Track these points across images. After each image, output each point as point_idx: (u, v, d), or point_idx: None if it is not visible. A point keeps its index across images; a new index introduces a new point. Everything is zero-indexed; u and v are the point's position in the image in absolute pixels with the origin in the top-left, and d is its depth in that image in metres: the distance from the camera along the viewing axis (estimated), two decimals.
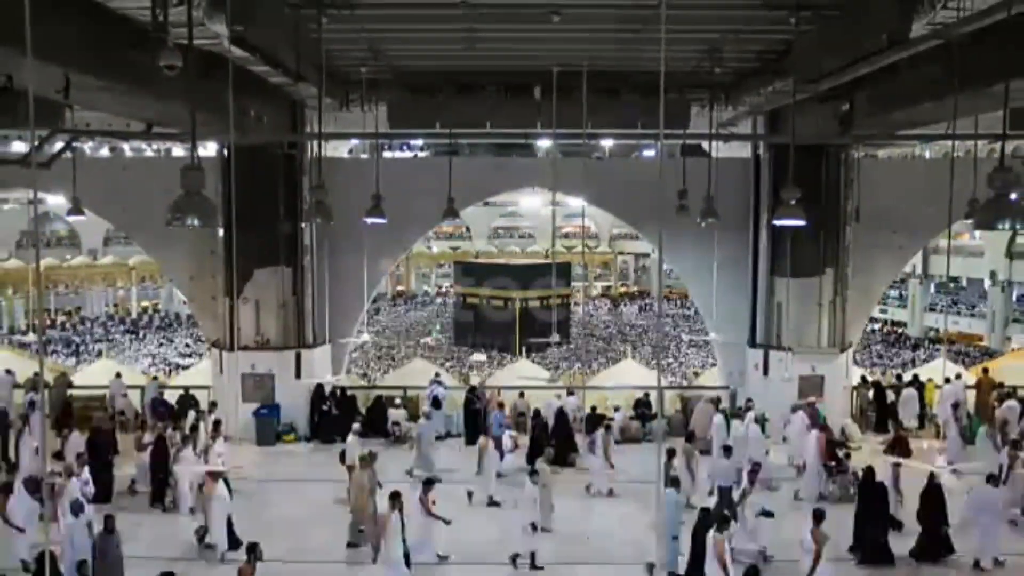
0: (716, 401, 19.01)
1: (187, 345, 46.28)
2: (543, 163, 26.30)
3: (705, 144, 21.54)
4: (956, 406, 18.33)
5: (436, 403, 19.23)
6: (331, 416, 19.45)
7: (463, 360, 40.76)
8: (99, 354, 37.39)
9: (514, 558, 12.86)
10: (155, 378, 23.61)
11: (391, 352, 43.39)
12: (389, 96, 17.91)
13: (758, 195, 20.38)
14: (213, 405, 17.78)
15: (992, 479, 13.30)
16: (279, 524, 14.10)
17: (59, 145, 16.81)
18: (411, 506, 12.27)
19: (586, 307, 57.32)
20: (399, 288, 68.92)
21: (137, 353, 43.33)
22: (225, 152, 18.48)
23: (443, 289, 68.79)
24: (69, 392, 20.79)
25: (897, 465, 14.34)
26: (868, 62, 11.48)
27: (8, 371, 20.46)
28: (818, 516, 11.43)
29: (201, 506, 13.70)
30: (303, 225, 19.45)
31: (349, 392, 20.55)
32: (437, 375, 21.68)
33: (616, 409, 19.90)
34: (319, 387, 19.66)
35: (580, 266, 57.88)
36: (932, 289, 53.12)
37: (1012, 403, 18.68)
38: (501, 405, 19.58)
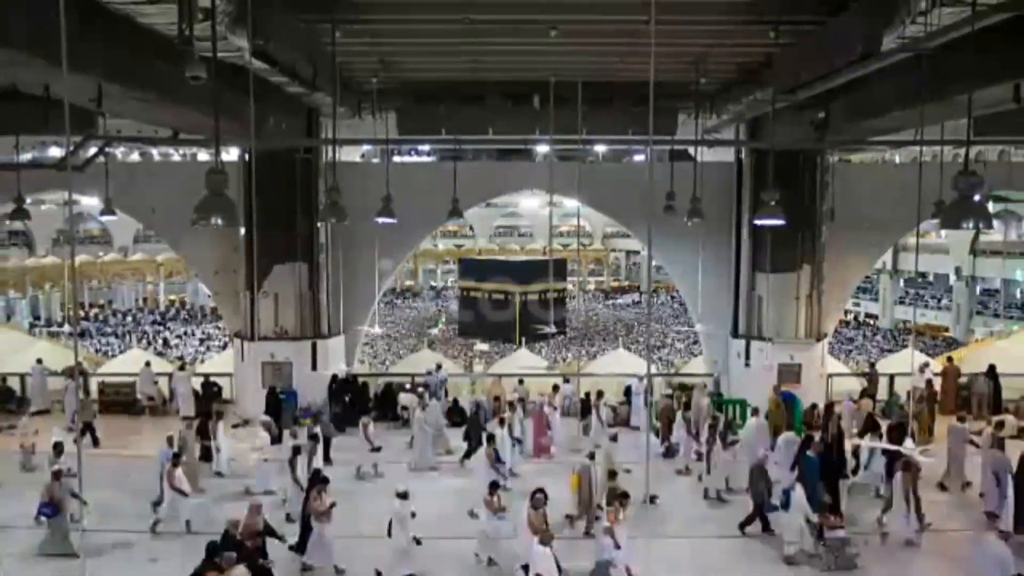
0: (703, 388, 18.95)
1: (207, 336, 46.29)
2: (541, 167, 26.13)
3: (691, 149, 21.50)
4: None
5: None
6: (346, 404, 19.33)
7: (468, 349, 40.81)
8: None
9: None
10: (182, 366, 23.50)
11: (400, 341, 43.42)
12: (398, 104, 17.90)
13: (740, 197, 20.37)
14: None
15: None
16: None
17: (92, 150, 16.81)
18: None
19: (581, 300, 57.31)
20: (408, 283, 68.90)
21: (164, 347, 43.30)
22: (246, 157, 18.43)
23: (447, 284, 68.76)
24: (102, 379, 20.76)
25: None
26: (842, 73, 11.48)
27: (39, 360, 20.21)
28: None
29: None
30: (319, 224, 19.38)
31: (361, 380, 20.39)
32: (439, 365, 21.52)
33: (600, 395, 19.77)
34: (335, 377, 19.45)
35: (575, 263, 57.86)
36: (901, 283, 53.12)
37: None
38: (497, 400, 19.23)
